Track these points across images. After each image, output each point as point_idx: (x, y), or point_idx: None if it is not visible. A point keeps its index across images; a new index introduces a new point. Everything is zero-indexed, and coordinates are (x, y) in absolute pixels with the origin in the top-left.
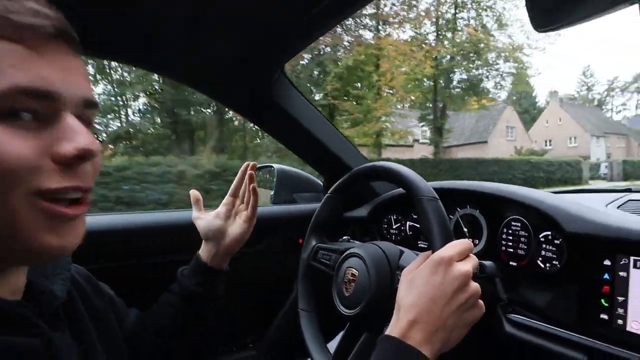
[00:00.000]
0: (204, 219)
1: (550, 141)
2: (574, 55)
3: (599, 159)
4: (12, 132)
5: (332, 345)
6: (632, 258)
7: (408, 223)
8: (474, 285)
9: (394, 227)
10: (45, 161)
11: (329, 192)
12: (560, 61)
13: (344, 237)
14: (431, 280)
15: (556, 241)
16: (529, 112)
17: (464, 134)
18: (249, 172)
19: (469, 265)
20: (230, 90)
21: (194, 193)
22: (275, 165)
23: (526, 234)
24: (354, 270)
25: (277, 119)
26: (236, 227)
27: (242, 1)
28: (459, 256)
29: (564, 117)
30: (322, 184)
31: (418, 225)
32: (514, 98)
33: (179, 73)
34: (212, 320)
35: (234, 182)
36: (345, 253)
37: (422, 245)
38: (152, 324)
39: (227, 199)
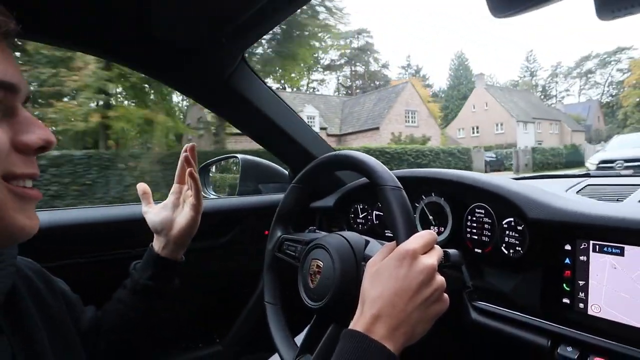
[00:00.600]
0: (151, 211)
1: (477, 128)
2: (521, 42)
3: (526, 147)
4: None
5: (300, 339)
6: (591, 242)
7: (374, 212)
8: (439, 279)
9: (360, 216)
10: (11, 149)
11: (293, 182)
12: (509, 47)
13: (310, 228)
14: (395, 273)
15: (519, 227)
16: (467, 99)
17: (360, 119)
18: (183, 154)
19: (434, 258)
20: (188, 77)
21: (141, 186)
22: (239, 155)
23: (490, 221)
24: (319, 261)
25: (238, 107)
26: (183, 216)
27: None
28: (423, 248)
29: (490, 102)
30: (287, 174)
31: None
32: (449, 83)
33: (134, 60)
34: (177, 314)
35: (177, 168)
36: (311, 244)
37: (389, 235)
38: (105, 321)
39: (174, 187)
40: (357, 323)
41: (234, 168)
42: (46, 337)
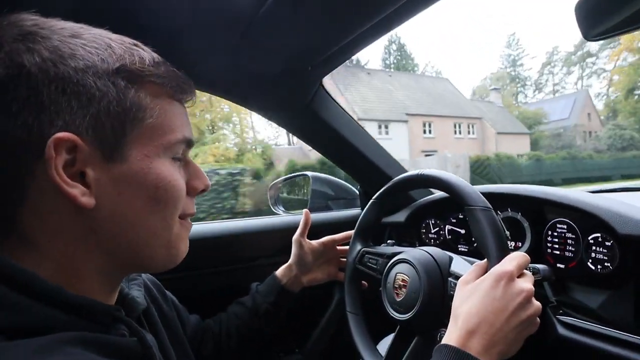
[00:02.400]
0: (307, 246)
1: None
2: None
3: None
4: (177, 171)
5: (378, 348)
6: None
7: (447, 227)
8: (536, 304)
9: (432, 231)
10: (186, 193)
11: (374, 198)
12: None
13: (389, 241)
14: (492, 293)
15: (607, 243)
16: None
17: None
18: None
19: (530, 283)
20: (272, 103)
21: (307, 212)
22: (309, 173)
23: (573, 236)
24: (405, 275)
25: (318, 130)
26: (323, 272)
27: (284, 20)
28: (518, 270)
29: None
30: (357, 190)
31: (457, 230)
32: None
33: (222, 89)
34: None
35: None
36: (395, 259)
37: (462, 249)
38: (214, 331)
39: (330, 240)
40: (452, 337)
41: (304, 185)
42: (167, 338)
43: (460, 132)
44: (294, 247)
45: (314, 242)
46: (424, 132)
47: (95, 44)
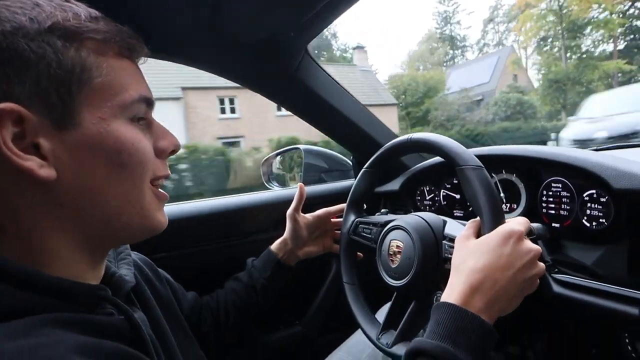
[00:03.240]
0: (302, 220)
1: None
2: None
3: None
4: (140, 132)
5: (377, 316)
6: None
7: (442, 193)
8: (541, 265)
9: (427, 198)
10: (154, 155)
11: (365, 167)
12: None
13: (383, 210)
14: (500, 250)
15: (602, 199)
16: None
17: None
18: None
19: (537, 245)
20: (255, 73)
21: (302, 187)
22: (301, 146)
23: (568, 195)
24: (399, 242)
25: (305, 99)
26: (317, 245)
27: None
28: (526, 232)
29: None
30: (349, 161)
31: (452, 195)
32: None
33: (200, 59)
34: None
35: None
36: (388, 226)
37: (458, 214)
38: (212, 306)
39: (325, 213)
40: (453, 293)
41: (297, 159)
42: (161, 315)
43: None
44: (288, 221)
45: (308, 216)
46: (222, 111)
47: (20, 3)
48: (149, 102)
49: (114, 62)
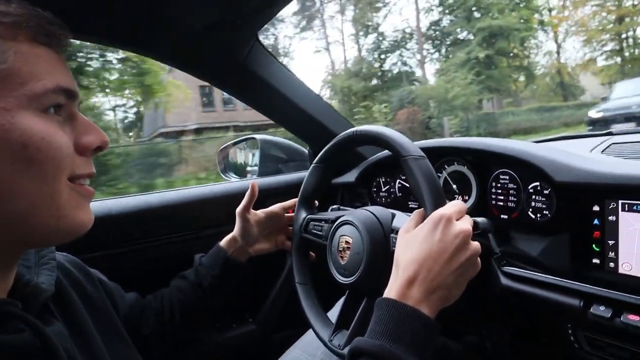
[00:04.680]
0: (252, 218)
1: None
2: None
3: None
4: (54, 126)
5: (330, 314)
6: (620, 201)
7: (397, 184)
8: (475, 244)
9: (383, 189)
10: (73, 151)
11: (314, 162)
12: None
13: (333, 206)
14: (430, 238)
15: (545, 191)
16: None
17: None
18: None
19: (468, 224)
20: (202, 60)
21: (254, 185)
22: (258, 136)
23: (515, 187)
24: (348, 237)
25: (257, 88)
26: (269, 242)
27: None
28: (457, 215)
29: None
30: (307, 151)
31: (407, 185)
32: None
33: (143, 46)
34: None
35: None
36: (337, 222)
37: (413, 206)
38: (155, 307)
39: (280, 208)
40: (392, 288)
41: (254, 149)
42: (91, 323)
43: None
44: (238, 220)
45: (260, 212)
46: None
47: None
48: (69, 94)
49: (26, 49)
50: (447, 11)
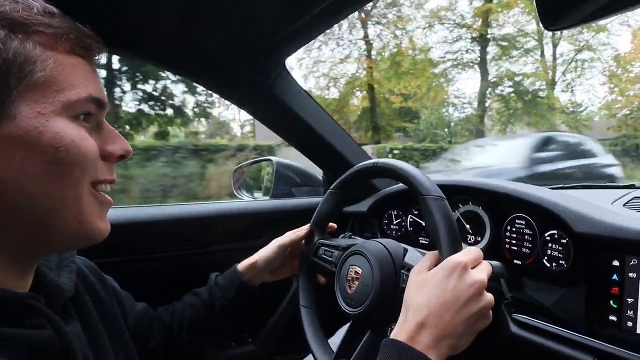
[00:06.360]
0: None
1: None
2: None
3: None
4: (84, 132)
5: (332, 341)
6: None
7: (409, 219)
8: (489, 296)
9: (394, 222)
10: (99, 157)
11: (331, 188)
12: None
13: (346, 234)
14: (444, 284)
15: (563, 241)
16: None
17: None
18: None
19: (484, 274)
20: (231, 83)
21: (332, 226)
22: (274, 159)
23: (531, 233)
24: (358, 268)
25: (280, 114)
26: (286, 268)
27: None
28: (473, 263)
29: None
30: (321, 178)
31: (419, 221)
32: None
33: (178, 66)
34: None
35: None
36: (349, 251)
37: (423, 242)
38: (165, 320)
39: (299, 238)
40: (401, 330)
41: (269, 171)
42: (102, 328)
43: None
44: (274, 249)
45: (287, 243)
46: None
47: None
48: (99, 104)
49: (64, 59)
50: None
